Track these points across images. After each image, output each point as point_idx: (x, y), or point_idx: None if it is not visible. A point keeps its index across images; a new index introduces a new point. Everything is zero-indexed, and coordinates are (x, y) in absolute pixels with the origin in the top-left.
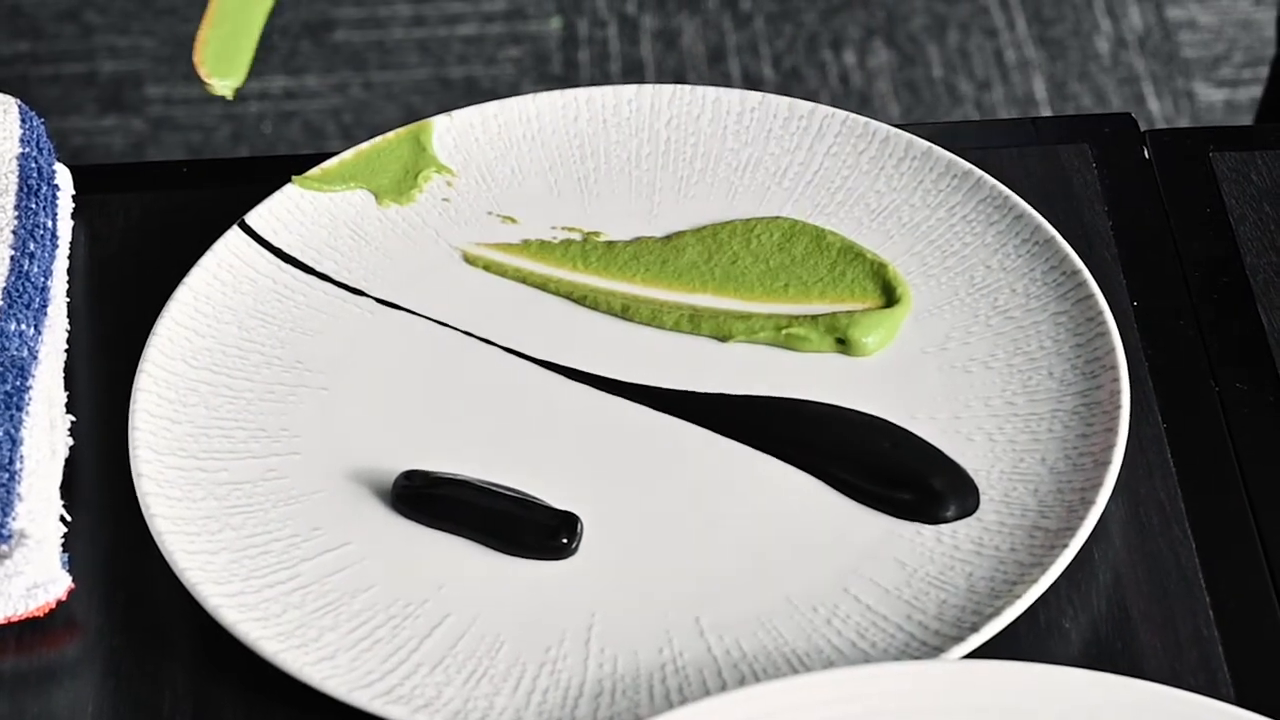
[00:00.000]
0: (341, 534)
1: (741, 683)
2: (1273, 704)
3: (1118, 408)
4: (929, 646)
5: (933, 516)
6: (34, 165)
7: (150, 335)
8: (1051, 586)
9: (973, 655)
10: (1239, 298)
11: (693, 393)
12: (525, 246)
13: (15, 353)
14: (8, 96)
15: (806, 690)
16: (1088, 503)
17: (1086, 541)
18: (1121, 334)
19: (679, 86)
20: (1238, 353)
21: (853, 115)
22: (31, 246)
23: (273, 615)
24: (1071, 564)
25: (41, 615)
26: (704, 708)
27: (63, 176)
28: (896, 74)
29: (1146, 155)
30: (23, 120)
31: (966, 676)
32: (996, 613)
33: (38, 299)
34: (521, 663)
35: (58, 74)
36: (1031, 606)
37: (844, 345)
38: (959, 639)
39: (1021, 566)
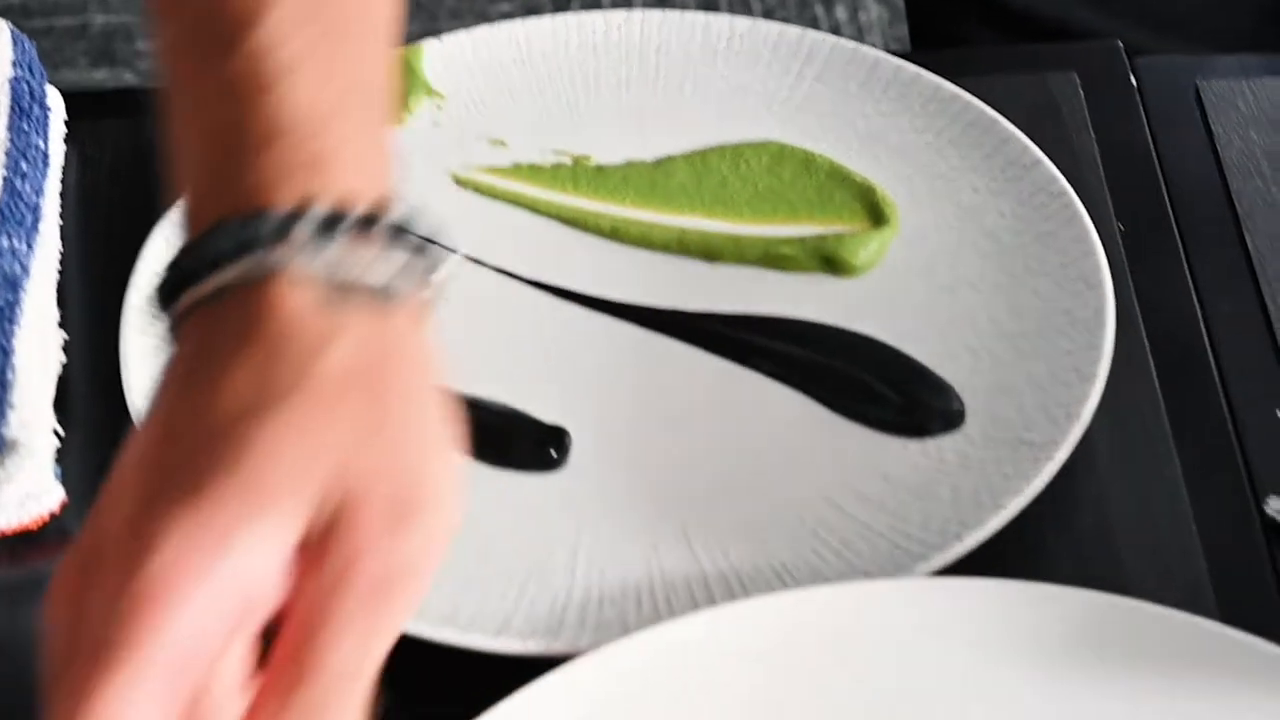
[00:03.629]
0: None
1: (729, 593)
2: (1255, 618)
3: (1102, 325)
4: (913, 555)
5: (918, 430)
6: (25, 87)
7: (141, 255)
8: (1036, 502)
9: (957, 571)
10: (1224, 222)
11: (681, 311)
12: (515, 170)
13: (8, 268)
14: None
15: (792, 605)
16: (1072, 418)
17: (1071, 457)
18: (1108, 256)
19: (669, 12)
20: (1223, 275)
21: (842, 40)
22: (24, 166)
23: None
24: (1056, 480)
25: (35, 528)
26: (692, 621)
27: (54, 99)
28: (888, 29)
29: (1134, 82)
30: (14, 43)
31: (950, 591)
32: (980, 524)
33: (30, 216)
34: (509, 572)
35: (50, 27)
36: (1016, 522)
37: (831, 266)
38: (942, 548)
39: (1006, 479)
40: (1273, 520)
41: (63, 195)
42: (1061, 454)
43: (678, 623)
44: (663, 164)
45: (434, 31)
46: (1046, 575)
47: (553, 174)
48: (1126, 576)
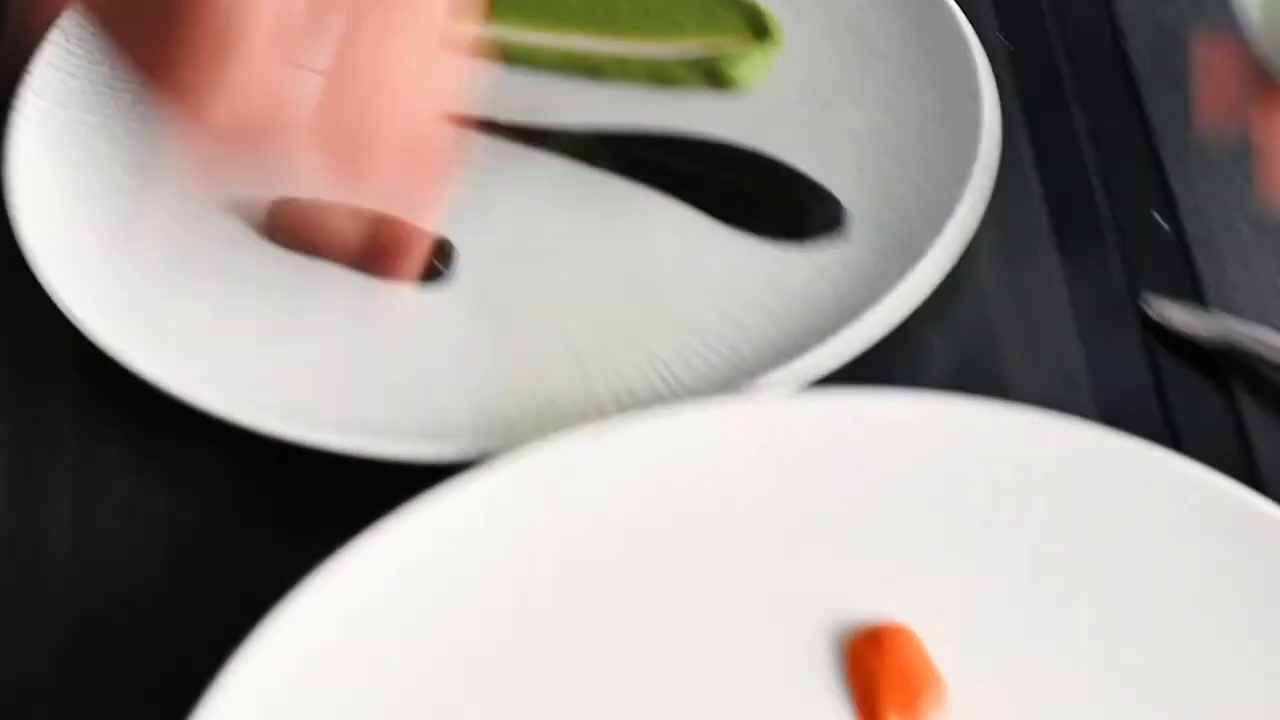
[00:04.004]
0: (217, 262)
1: (616, 402)
2: (1135, 422)
3: (984, 135)
4: (798, 357)
5: (802, 237)
6: None
7: (23, 78)
8: (921, 309)
9: (843, 379)
10: (1106, 36)
11: (567, 129)
12: None
13: None
14: None
15: (677, 420)
16: (953, 224)
17: (956, 266)
18: (991, 68)
19: None
20: (1105, 86)
21: None
22: None
23: (156, 345)
24: (941, 287)
25: None
26: (581, 435)
27: None
28: None
29: None
30: None
31: (836, 404)
32: (863, 325)
33: None
34: (395, 382)
35: None
36: (901, 328)
37: (717, 82)
38: (826, 349)
39: (888, 283)
40: (1151, 318)
41: None
42: (942, 258)
43: (567, 438)
44: None
45: None
46: (928, 381)
47: None
48: (1007, 378)
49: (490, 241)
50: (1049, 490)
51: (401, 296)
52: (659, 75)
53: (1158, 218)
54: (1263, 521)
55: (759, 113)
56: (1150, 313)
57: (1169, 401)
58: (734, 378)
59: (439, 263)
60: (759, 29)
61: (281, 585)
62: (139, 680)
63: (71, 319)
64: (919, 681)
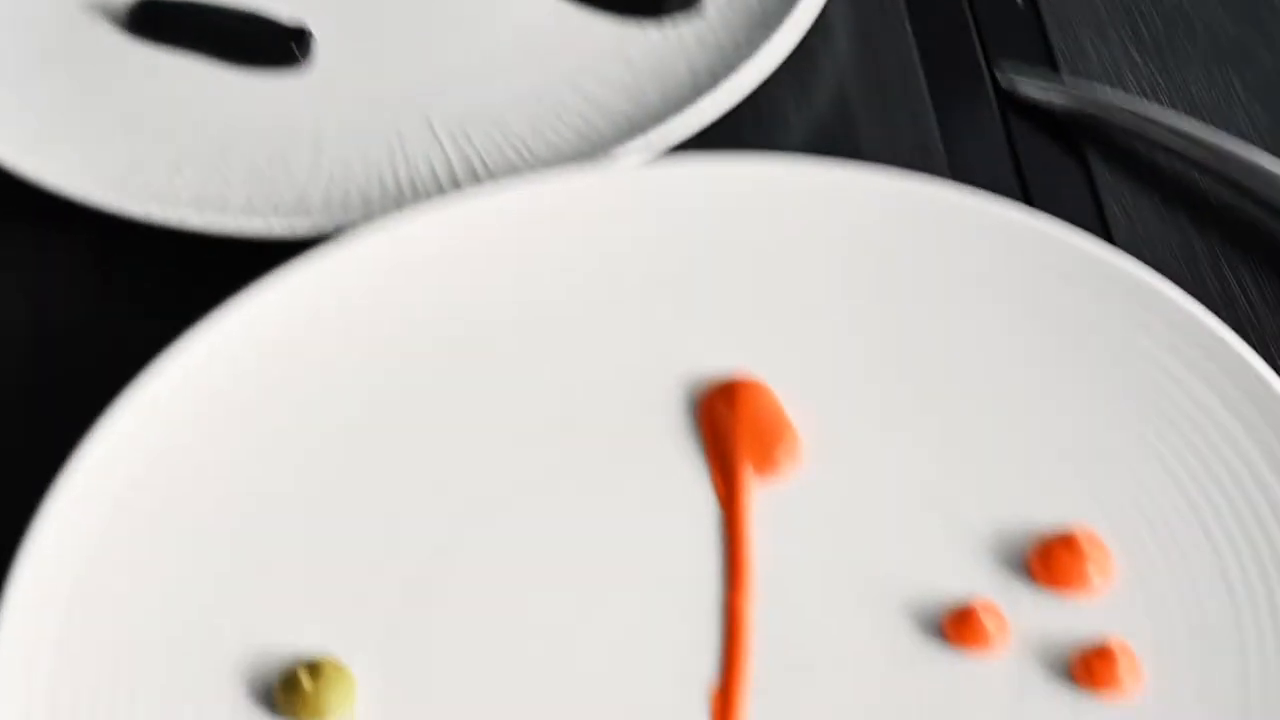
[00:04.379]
0: (74, 52)
1: (472, 175)
2: (990, 189)
3: None
4: (651, 129)
5: (656, 11)
6: None
7: None
8: (776, 81)
9: (699, 146)
10: None
11: None
12: None
13: None
14: None
15: (532, 189)
16: None
17: (810, 37)
18: None
19: None
20: None
21: None
22: None
23: (11, 134)
24: (795, 59)
25: None
26: (435, 206)
27: None
28: None
29: None
30: None
31: (689, 169)
32: (716, 95)
33: None
34: (252, 162)
35: None
36: (756, 101)
37: None
38: (680, 119)
39: (741, 55)
40: (1004, 87)
41: None
42: (795, 30)
43: (422, 209)
44: None
45: None
46: (784, 147)
47: None
48: (862, 147)
49: (346, 26)
50: (901, 248)
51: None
52: None
53: None
54: (1117, 273)
55: None
56: (1004, 81)
57: (1024, 168)
58: (588, 150)
59: (296, 48)
60: None
61: (143, 365)
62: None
63: None
64: (772, 433)
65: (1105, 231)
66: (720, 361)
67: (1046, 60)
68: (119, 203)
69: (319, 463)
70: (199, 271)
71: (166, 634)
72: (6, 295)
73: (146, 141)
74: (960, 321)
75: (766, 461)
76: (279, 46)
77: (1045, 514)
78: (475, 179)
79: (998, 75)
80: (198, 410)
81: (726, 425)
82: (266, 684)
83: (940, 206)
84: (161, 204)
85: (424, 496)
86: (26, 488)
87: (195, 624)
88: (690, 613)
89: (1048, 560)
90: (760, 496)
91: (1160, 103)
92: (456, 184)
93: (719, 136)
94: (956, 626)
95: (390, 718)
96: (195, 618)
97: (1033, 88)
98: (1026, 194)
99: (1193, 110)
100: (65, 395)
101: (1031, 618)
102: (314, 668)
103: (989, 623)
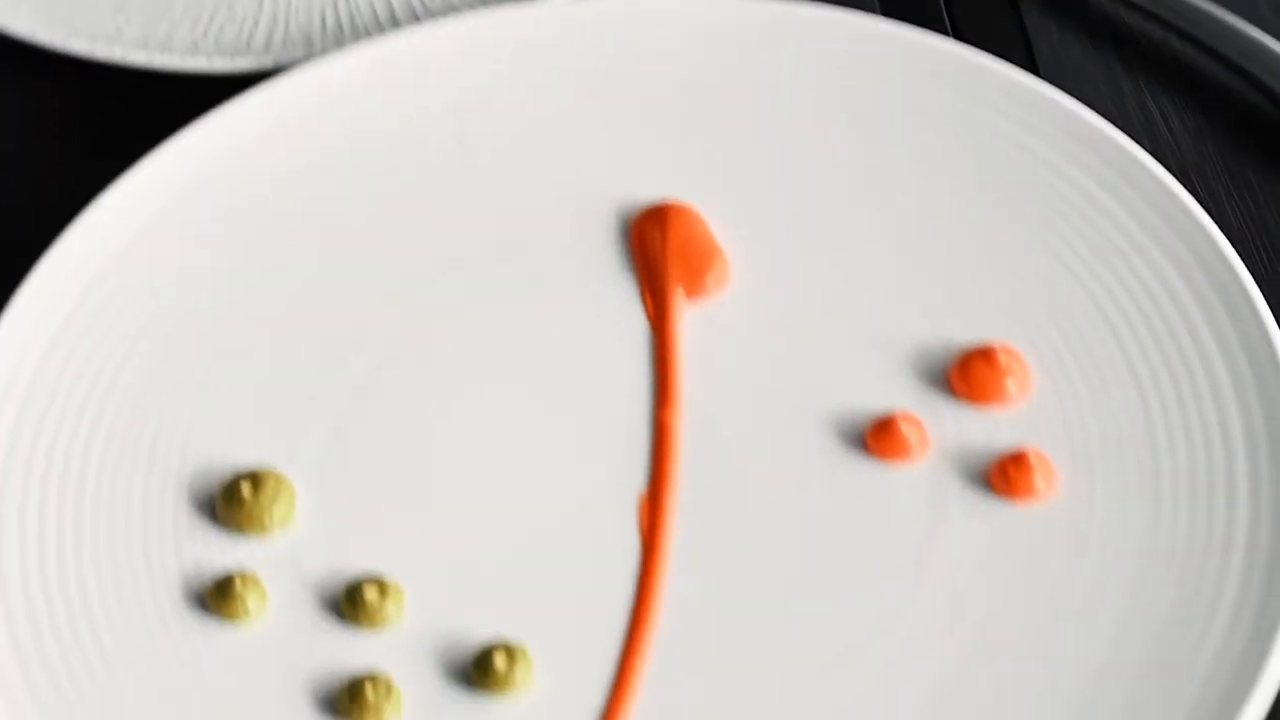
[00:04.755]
0: None
1: (411, 15)
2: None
3: None
4: None
5: None
6: None
7: None
8: None
9: None
10: None
11: None
12: None
13: None
14: None
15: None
16: None
17: None
18: None
19: None
20: None
21: None
22: None
23: None
24: None
25: None
26: (375, 42)
27: None
28: None
29: None
30: None
31: (617, 6)
32: None
33: None
34: (198, 7)
35: None
36: None
37: None
38: None
39: None
40: None
41: None
42: None
43: (364, 46)
44: None
45: None
46: None
47: None
48: None
49: None
50: (828, 79)
51: None
52: None
53: None
54: (1039, 100)
55: None
56: None
57: (953, 9)
58: None
59: None
60: None
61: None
62: None
63: None
64: (701, 256)
65: (1034, 68)
66: (651, 189)
67: None
68: (68, 43)
69: (261, 284)
70: (146, 110)
71: (111, 448)
72: None
73: None
74: (883, 149)
75: (695, 284)
76: None
77: (964, 331)
78: (415, 19)
79: None
80: (148, 234)
81: (657, 248)
82: (209, 496)
83: (864, 37)
84: (110, 45)
85: (364, 315)
86: None
87: (139, 438)
88: (621, 426)
89: (966, 374)
90: (689, 318)
91: None
92: (396, 23)
93: None
94: (878, 437)
95: (329, 527)
96: (140, 432)
97: None
98: (957, 34)
99: None
100: (17, 222)
101: (951, 429)
102: (255, 478)
103: (909, 433)
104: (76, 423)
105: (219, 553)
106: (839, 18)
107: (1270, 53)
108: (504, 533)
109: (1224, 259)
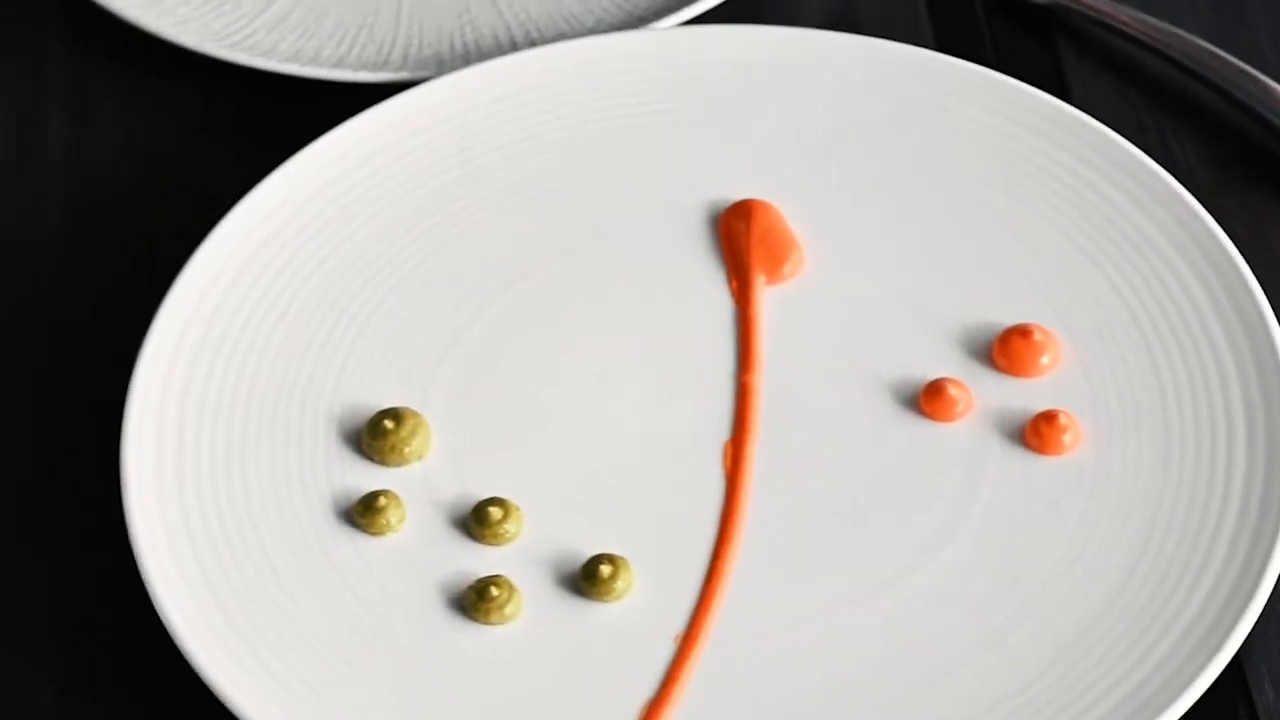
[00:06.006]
0: None
1: (529, 42)
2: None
3: None
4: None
5: None
6: None
7: None
8: None
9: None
10: None
11: None
12: None
13: None
14: None
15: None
16: None
17: None
18: None
19: None
20: None
21: None
22: None
23: None
24: None
25: None
26: (498, 63)
27: None
28: None
29: None
30: None
31: (711, 34)
32: None
33: None
34: (342, 25)
35: None
36: None
37: None
38: None
39: None
40: None
41: None
42: None
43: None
44: None
45: None
46: (801, 20)
47: None
48: (863, 22)
49: None
50: (892, 101)
51: None
52: None
53: None
54: (1074, 124)
55: None
56: None
57: (999, 49)
58: (630, 23)
59: None
60: None
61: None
62: (124, 257)
63: None
64: (780, 246)
65: (1068, 102)
66: (738, 188)
67: None
68: (230, 54)
69: (398, 255)
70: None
71: (273, 394)
72: (130, 128)
73: (251, 4)
74: (937, 161)
75: (774, 270)
76: None
77: (1005, 313)
78: (531, 44)
79: None
80: (305, 210)
81: (742, 238)
82: (356, 432)
83: (922, 66)
84: (266, 56)
85: (488, 291)
86: (155, 278)
87: (294, 384)
88: (710, 387)
89: (1006, 348)
90: (768, 299)
91: None
92: (515, 46)
93: (741, 8)
94: (929, 399)
95: (458, 458)
96: (296, 378)
97: None
98: (1002, 71)
99: (1147, 7)
100: (177, 211)
101: (992, 394)
102: (396, 415)
103: (957, 396)
104: (243, 371)
105: (364, 479)
106: (903, 51)
107: (1272, 91)
108: (609, 467)
109: (1227, 257)
